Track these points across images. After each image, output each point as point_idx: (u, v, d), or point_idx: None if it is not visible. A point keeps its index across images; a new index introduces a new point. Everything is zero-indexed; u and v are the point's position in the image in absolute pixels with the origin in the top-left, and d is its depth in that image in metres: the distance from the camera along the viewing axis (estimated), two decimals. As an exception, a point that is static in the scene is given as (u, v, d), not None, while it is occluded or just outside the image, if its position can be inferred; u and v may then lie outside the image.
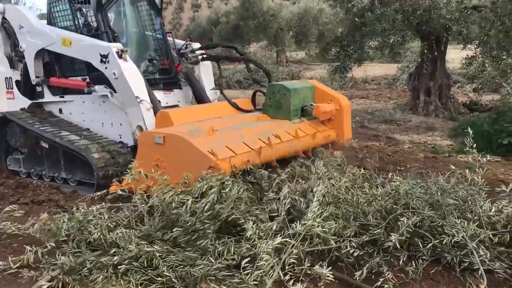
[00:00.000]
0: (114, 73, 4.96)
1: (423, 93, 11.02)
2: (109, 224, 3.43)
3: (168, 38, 6.38)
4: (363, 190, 3.83)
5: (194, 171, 3.66)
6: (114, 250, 3.11)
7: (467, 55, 9.99)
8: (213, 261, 2.98)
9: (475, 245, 3.18)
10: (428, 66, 10.89)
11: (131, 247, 3.03)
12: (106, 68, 5.04)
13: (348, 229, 3.33)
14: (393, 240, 3.10)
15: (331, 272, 2.93)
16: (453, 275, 3.25)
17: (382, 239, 3.29)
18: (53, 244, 3.38)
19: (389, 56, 14.60)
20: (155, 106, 5.09)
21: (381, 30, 9.27)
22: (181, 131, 4.18)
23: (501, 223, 3.50)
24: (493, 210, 3.62)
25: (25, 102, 6.25)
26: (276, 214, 3.39)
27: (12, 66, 6.43)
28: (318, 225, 3.17)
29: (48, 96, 6.08)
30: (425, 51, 10.47)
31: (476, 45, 9.10)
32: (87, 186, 5.15)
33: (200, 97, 6.16)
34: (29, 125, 5.73)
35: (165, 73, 6.24)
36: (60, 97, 5.99)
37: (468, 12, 8.76)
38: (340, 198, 3.64)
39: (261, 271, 2.83)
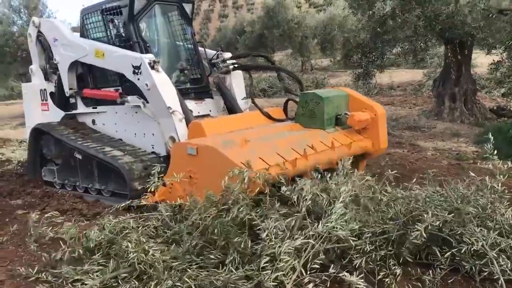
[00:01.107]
0: (147, 84, 5.01)
1: (448, 99, 10.83)
2: (142, 239, 3.36)
3: (199, 48, 6.40)
4: (385, 195, 3.76)
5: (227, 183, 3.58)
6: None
7: (493, 60, 9.78)
8: (233, 270, 2.97)
9: (495, 254, 3.13)
10: (453, 72, 10.71)
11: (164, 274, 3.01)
12: (138, 79, 5.12)
13: (368, 233, 3.26)
14: (416, 236, 3.07)
15: (362, 280, 2.87)
16: (472, 284, 3.21)
17: (404, 247, 3.27)
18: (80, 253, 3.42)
19: (412, 62, 14.42)
20: (187, 116, 5.11)
21: (403, 36, 9.17)
22: (214, 142, 4.13)
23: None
24: (514, 217, 3.56)
25: (59, 114, 6.40)
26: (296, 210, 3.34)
27: (47, 78, 6.62)
28: (340, 228, 3.12)
29: (81, 108, 6.20)
30: (449, 56, 10.30)
31: (502, 49, 8.90)
32: (121, 198, 5.12)
33: (231, 107, 6.14)
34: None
35: (197, 82, 6.25)
36: (93, 108, 6.09)
37: (494, 17, 8.60)
38: (362, 200, 3.59)
39: (282, 272, 2.81)
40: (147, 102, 5.19)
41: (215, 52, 6.45)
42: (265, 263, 2.86)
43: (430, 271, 3.26)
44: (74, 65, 6.04)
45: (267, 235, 3.05)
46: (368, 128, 5.21)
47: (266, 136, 4.64)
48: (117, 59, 5.38)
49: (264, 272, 2.82)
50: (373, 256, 3.15)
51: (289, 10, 24.66)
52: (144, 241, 3.29)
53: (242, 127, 4.97)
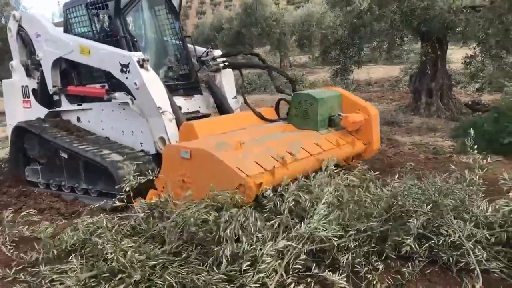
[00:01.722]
0: (135, 83, 4.89)
1: (424, 94, 11.00)
2: (117, 238, 3.34)
3: (188, 45, 6.28)
4: (368, 191, 3.80)
5: (222, 188, 3.52)
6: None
7: (466, 54, 9.97)
8: (215, 269, 2.92)
9: (471, 245, 3.18)
10: (429, 67, 10.87)
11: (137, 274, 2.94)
12: (126, 78, 4.99)
13: (352, 231, 3.26)
14: (409, 243, 3.12)
15: (344, 279, 2.90)
16: (449, 275, 3.25)
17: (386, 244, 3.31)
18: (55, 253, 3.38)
19: (389, 57, 14.60)
20: (178, 117, 5.00)
21: (379, 30, 9.27)
22: (208, 145, 4.02)
23: (498, 223, 3.49)
24: (490, 210, 3.62)
25: (42, 111, 6.22)
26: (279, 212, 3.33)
27: (29, 74, 6.42)
28: (323, 229, 3.12)
29: (65, 105, 6.05)
30: (425, 52, 10.45)
31: (476, 44, 9.08)
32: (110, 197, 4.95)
33: (221, 106, 6.06)
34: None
35: (185, 78, 6.14)
36: (78, 105, 5.93)
37: (468, 11, 8.76)
38: (345, 199, 3.58)
39: (264, 274, 2.79)
40: (135, 99, 5.07)
41: (204, 49, 6.34)
42: (247, 266, 2.84)
43: (409, 264, 3.31)
44: (58, 62, 5.87)
45: (247, 238, 3.02)
46: (362, 129, 5.17)
47: (260, 138, 4.54)
48: (104, 56, 5.23)
49: (247, 274, 2.80)
50: (357, 253, 3.16)
51: (267, 7, 24.63)
52: (119, 239, 3.24)
53: (235, 128, 4.87)
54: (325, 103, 5.03)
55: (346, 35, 11.38)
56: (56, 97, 6.04)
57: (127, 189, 3.63)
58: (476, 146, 3.84)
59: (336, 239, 3.12)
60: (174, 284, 2.87)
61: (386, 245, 3.31)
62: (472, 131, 3.97)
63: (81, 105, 5.89)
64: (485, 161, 3.80)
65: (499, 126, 7.25)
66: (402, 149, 7.61)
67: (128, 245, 3.09)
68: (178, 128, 4.89)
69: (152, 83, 4.90)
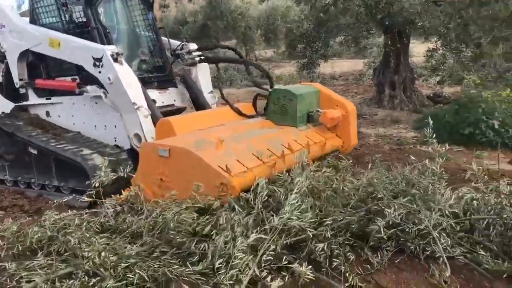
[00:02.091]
0: (109, 78, 4.73)
1: (387, 87, 11.23)
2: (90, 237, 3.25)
3: (162, 38, 6.11)
4: (343, 181, 3.82)
5: (203, 187, 3.47)
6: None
7: (428, 47, 10.24)
8: (189, 264, 2.91)
9: (437, 234, 3.27)
10: (392, 60, 11.10)
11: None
12: (100, 72, 4.81)
13: (327, 221, 3.27)
14: (381, 233, 3.16)
15: (311, 271, 2.90)
16: (416, 262, 3.34)
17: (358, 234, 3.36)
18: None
19: (354, 51, 14.80)
20: (154, 113, 4.86)
21: (344, 24, 9.38)
22: (187, 143, 3.90)
23: (461, 210, 3.62)
24: (453, 198, 3.74)
25: (9, 106, 5.92)
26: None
27: None
28: (296, 218, 3.11)
29: (33, 99, 5.79)
30: (388, 45, 10.66)
31: (437, 38, 9.34)
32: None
33: (197, 100, 5.95)
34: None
35: (159, 71, 5.97)
36: (47, 99, 5.68)
37: (430, 5, 8.97)
38: (319, 189, 3.59)
39: (236, 270, 2.78)
40: (108, 93, 4.90)
41: (179, 42, 6.18)
42: (219, 264, 2.82)
43: (378, 253, 3.38)
44: (25, 54, 5.59)
45: (217, 235, 3.00)
46: (339, 125, 5.16)
47: (240, 135, 4.45)
48: (75, 50, 5.02)
49: (220, 272, 2.78)
50: (332, 243, 3.18)
51: (232, 0, 24.51)
52: (90, 237, 3.17)
53: (213, 124, 4.78)
54: (303, 99, 5.01)
55: (312, 29, 11.46)
56: (22, 91, 5.78)
57: (97, 184, 3.54)
58: (437, 137, 3.96)
59: (311, 229, 3.12)
60: (146, 278, 2.84)
61: (359, 235, 3.38)
62: (431, 121, 4.09)
63: (50, 99, 5.66)
64: (444, 149, 3.92)
65: (459, 117, 7.50)
66: (368, 141, 7.76)
67: (102, 244, 3.03)
68: (154, 124, 4.76)
69: (127, 78, 4.75)
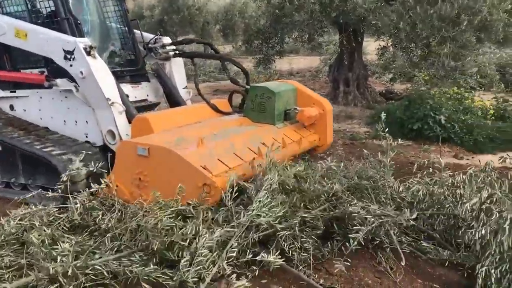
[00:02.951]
0: (82, 72, 4.50)
1: (342, 83, 11.47)
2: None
3: (134, 30, 5.91)
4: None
5: (185, 188, 3.43)
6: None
7: (380, 45, 10.54)
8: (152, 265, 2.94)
9: (388, 225, 3.44)
10: (346, 58, 11.35)
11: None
12: (71, 65, 4.59)
13: (294, 217, 3.35)
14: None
15: (279, 257, 3.01)
16: (365, 251, 3.52)
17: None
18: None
19: (310, 48, 14.93)
20: (129, 109, 4.70)
21: (299, 21, 9.49)
22: (167, 142, 3.81)
23: (408, 200, 3.80)
24: (401, 189, 3.93)
25: None
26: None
27: None
28: (264, 215, 3.15)
29: None
30: (343, 43, 10.89)
31: (387, 36, 9.64)
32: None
33: (172, 96, 5.80)
34: None
35: (132, 64, 5.78)
36: (11, 92, 5.38)
37: (382, 5, 9.22)
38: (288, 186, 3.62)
39: (200, 267, 2.80)
40: (80, 87, 4.70)
41: (152, 36, 6.00)
42: (184, 262, 2.84)
43: (329, 243, 3.52)
44: None
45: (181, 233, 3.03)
46: (316, 123, 5.17)
47: (219, 133, 4.39)
48: (44, 41, 4.76)
49: (184, 270, 2.80)
50: (292, 236, 3.28)
51: (190, -6, 24.28)
52: (58, 236, 3.17)
53: (190, 121, 4.71)
54: (281, 96, 5.00)
55: (268, 25, 11.55)
56: None
57: (65, 178, 3.48)
58: (389, 132, 4.13)
59: (279, 224, 3.19)
60: (105, 273, 2.87)
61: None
62: (383, 116, 4.27)
63: (15, 91, 5.38)
64: (395, 143, 4.10)
65: (409, 113, 7.80)
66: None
67: (68, 247, 2.97)
68: (129, 121, 4.63)
69: (100, 72, 4.55)
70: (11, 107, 5.48)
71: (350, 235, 3.27)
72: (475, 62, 10.11)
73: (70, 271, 2.75)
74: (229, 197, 3.32)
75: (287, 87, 5.25)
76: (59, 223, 3.45)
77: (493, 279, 2.94)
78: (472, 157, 6.72)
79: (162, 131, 4.27)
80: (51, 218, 3.47)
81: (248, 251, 3.09)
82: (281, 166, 3.78)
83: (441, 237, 3.68)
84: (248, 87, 5.26)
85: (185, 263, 2.83)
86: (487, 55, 12.98)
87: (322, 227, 3.48)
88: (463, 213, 3.32)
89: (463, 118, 7.69)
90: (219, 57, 6.14)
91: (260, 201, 3.23)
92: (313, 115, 5.06)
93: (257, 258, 3.02)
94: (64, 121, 5.09)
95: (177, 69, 5.97)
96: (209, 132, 4.30)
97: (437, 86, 8.49)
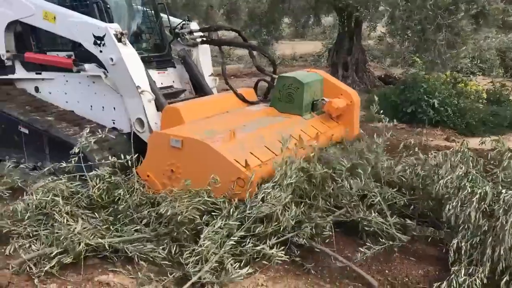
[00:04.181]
0: (112, 59, 4.41)
1: (341, 67, 11.56)
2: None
3: (161, 14, 5.83)
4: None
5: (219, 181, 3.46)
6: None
7: (381, 31, 10.65)
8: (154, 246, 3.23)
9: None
10: (345, 42, 11.49)
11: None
12: (101, 51, 4.50)
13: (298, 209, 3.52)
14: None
15: (283, 253, 3.24)
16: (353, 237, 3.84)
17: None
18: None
19: (314, 33, 14.78)
20: (159, 98, 4.64)
21: (297, 7, 9.45)
22: (200, 134, 3.78)
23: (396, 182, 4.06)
24: (397, 169, 4.11)
25: None
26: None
27: None
28: (266, 205, 3.28)
29: (20, 72, 5.43)
30: (342, 27, 10.98)
31: (385, 23, 9.76)
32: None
33: (198, 84, 5.69)
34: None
35: (158, 50, 5.67)
36: (37, 73, 5.31)
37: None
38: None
39: (200, 256, 2.99)
40: (108, 73, 4.65)
41: (180, 21, 5.86)
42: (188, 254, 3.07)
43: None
44: (13, 25, 5.26)
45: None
46: (343, 115, 5.08)
47: (248, 124, 4.35)
48: (73, 25, 4.64)
49: (188, 260, 3.05)
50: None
51: (193, -22, 24.17)
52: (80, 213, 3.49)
53: (218, 111, 4.70)
54: (310, 87, 4.92)
55: (267, 9, 11.66)
56: (8, 63, 5.41)
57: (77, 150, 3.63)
58: (384, 114, 4.35)
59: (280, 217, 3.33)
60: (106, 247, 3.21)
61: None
62: (376, 98, 4.50)
63: (40, 73, 5.30)
64: (391, 124, 4.30)
65: (404, 97, 8.02)
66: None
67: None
68: (157, 109, 4.60)
69: (131, 60, 4.47)
70: (36, 89, 5.43)
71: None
72: (475, 46, 10.20)
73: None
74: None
75: (315, 77, 5.15)
76: (79, 197, 3.71)
77: (462, 252, 3.16)
78: (464, 140, 6.91)
79: (193, 122, 4.26)
80: (73, 190, 3.73)
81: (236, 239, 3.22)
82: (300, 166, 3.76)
83: (425, 216, 3.92)
84: (275, 76, 5.19)
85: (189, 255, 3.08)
86: (488, 40, 12.95)
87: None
88: (437, 190, 3.53)
89: (456, 102, 7.88)
90: (247, 46, 5.98)
91: (264, 191, 3.35)
92: (341, 107, 4.97)
93: (257, 248, 3.23)
94: (91, 106, 5.03)
95: (204, 56, 5.84)
96: (238, 123, 4.28)
97: (433, 71, 8.63)
